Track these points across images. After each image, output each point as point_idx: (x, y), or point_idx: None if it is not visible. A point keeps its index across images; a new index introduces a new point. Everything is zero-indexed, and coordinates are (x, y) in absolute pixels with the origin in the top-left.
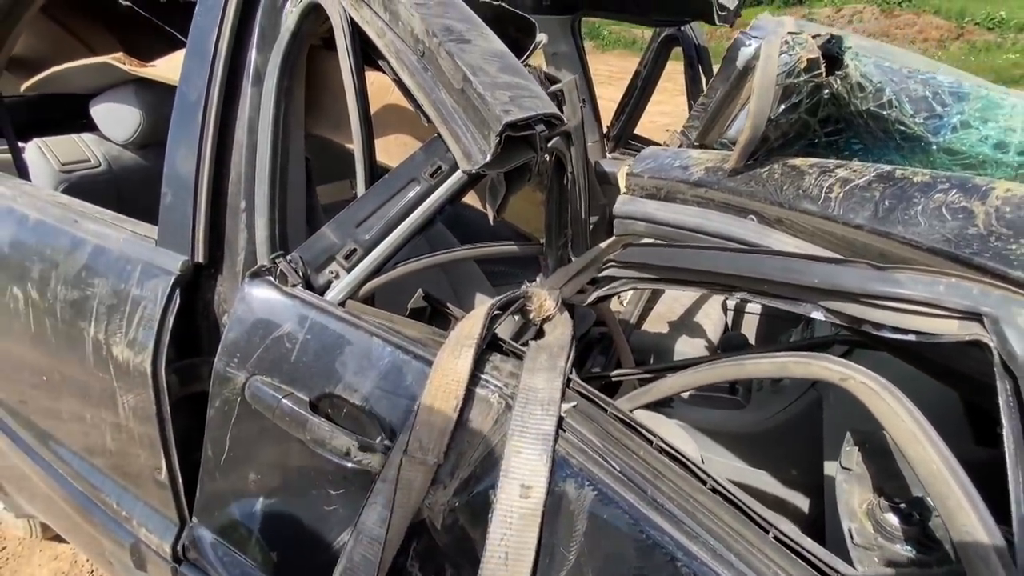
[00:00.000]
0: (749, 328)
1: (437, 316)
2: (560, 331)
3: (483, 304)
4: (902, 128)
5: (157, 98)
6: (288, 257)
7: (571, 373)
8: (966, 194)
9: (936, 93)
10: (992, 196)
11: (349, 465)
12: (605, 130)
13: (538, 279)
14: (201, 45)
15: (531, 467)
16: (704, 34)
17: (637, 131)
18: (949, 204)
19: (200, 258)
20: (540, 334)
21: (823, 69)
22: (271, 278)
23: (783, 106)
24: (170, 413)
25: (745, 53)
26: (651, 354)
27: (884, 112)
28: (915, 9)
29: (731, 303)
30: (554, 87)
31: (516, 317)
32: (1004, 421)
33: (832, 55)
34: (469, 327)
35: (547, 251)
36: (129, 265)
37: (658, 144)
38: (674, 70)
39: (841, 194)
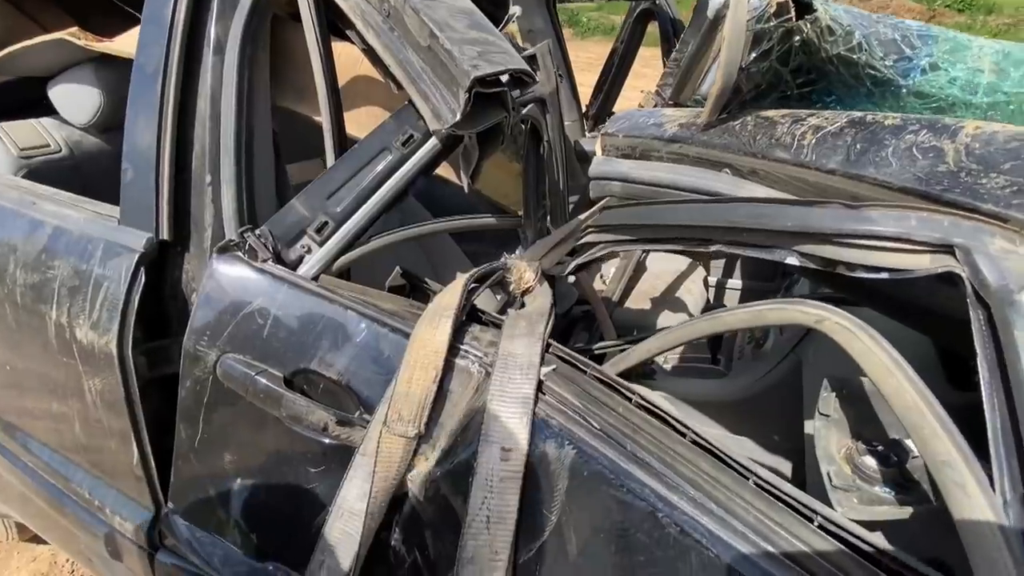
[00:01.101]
0: (731, 303)
1: (416, 293)
2: (540, 301)
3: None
4: (872, 72)
5: (118, 77)
6: (257, 232)
7: (550, 338)
8: (936, 134)
9: (905, 36)
10: (962, 134)
11: (327, 441)
12: (584, 109)
13: (517, 251)
14: (157, 12)
15: (511, 430)
16: (678, 8)
17: (615, 109)
18: (919, 144)
19: (165, 235)
20: (520, 306)
21: (793, 13)
22: (240, 253)
23: (754, 54)
24: (139, 397)
25: (715, 2)
26: (634, 330)
27: (854, 56)
28: None
29: (712, 280)
30: (527, 51)
31: (498, 296)
32: (978, 350)
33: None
34: (447, 298)
35: (525, 223)
36: (91, 245)
37: None
38: (651, 55)
39: (813, 140)
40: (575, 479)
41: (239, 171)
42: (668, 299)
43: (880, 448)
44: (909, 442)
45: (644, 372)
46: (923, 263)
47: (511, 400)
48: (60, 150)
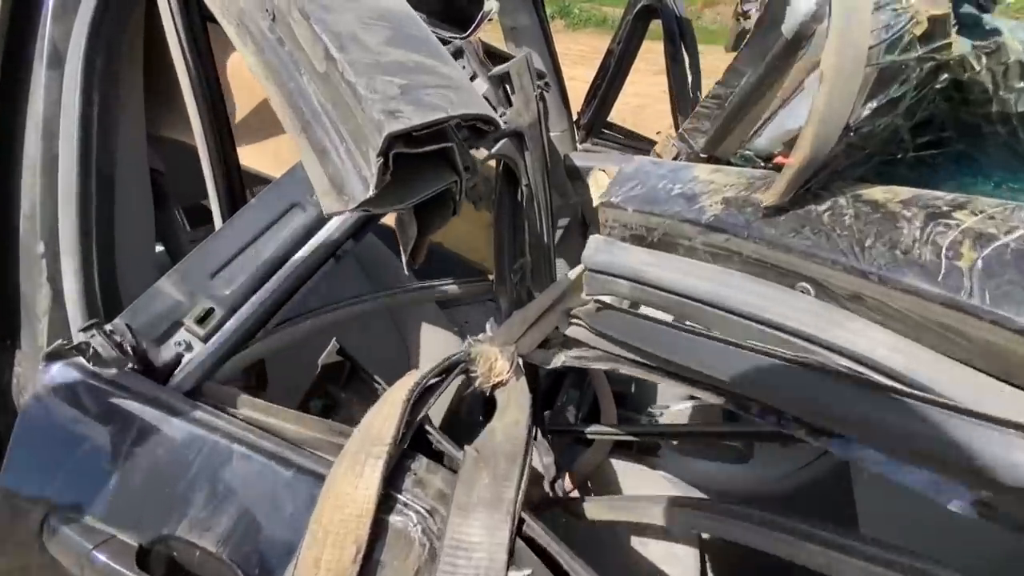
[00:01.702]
0: None
1: (356, 377)
2: (512, 415)
3: (433, 353)
4: None
5: None
6: (109, 327)
7: (521, 508)
8: None
9: None
10: None
11: None
12: (575, 117)
13: (488, 327)
14: None
15: None
16: (684, 4)
17: (610, 118)
18: None
19: None
20: (490, 403)
21: (953, 36)
22: (82, 360)
23: (874, 103)
24: None
25: (798, 11)
26: (632, 383)
27: None
28: None
29: None
30: (497, 69)
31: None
32: None
33: (970, 14)
34: (380, 421)
35: (498, 289)
36: None
37: (641, 139)
38: (646, 48)
39: (979, 263)
40: None
41: (86, 235)
42: None
43: None
44: None
45: (648, 448)
46: None
47: None
48: None
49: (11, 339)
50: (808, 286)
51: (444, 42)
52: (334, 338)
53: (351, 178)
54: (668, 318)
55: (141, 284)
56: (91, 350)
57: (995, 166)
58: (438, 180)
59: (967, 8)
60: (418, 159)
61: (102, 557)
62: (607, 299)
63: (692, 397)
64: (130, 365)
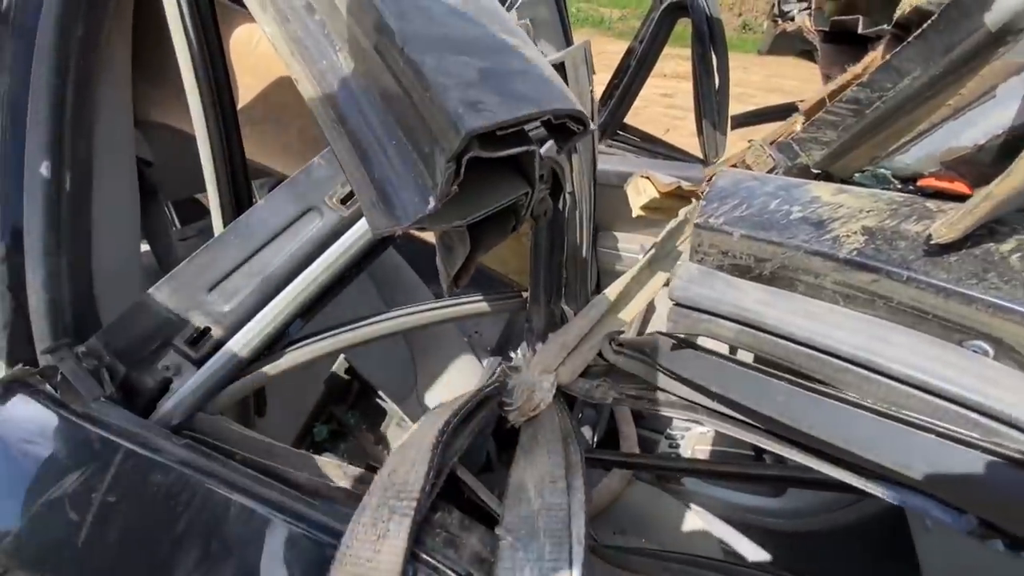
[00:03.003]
0: None
1: (367, 394)
2: (545, 469)
3: (445, 375)
4: None
5: None
6: (82, 348)
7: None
8: None
9: None
10: None
11: None
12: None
13: (520, 352)
14: None
15: None
16: (718, 2)
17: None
18: None
19: None
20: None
21: None
22: (46, 387)
23: None
24: None
25: (1003, 7)
26: None
27: None
28: None
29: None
30: (552, 57)
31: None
32: None
33: None
34: (404, 472)
35: (532, 308)
36: None
37: (658, 142)
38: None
39: None
40: None
41: (53, 237)
42: None
43: None
44: None
45: (670, 475)
46: None
47: None
48: None
49: None
50: (985, 345)
51: None
52: (341, 355)
53: (405, 186)
54: (761, 367)
55: (122, 293)
56: (58, 376)
57: None
58: (509, 191)
59: None
60: (490, 164)
61: None
62: (685, 335)
63: None
64: (107, 394)
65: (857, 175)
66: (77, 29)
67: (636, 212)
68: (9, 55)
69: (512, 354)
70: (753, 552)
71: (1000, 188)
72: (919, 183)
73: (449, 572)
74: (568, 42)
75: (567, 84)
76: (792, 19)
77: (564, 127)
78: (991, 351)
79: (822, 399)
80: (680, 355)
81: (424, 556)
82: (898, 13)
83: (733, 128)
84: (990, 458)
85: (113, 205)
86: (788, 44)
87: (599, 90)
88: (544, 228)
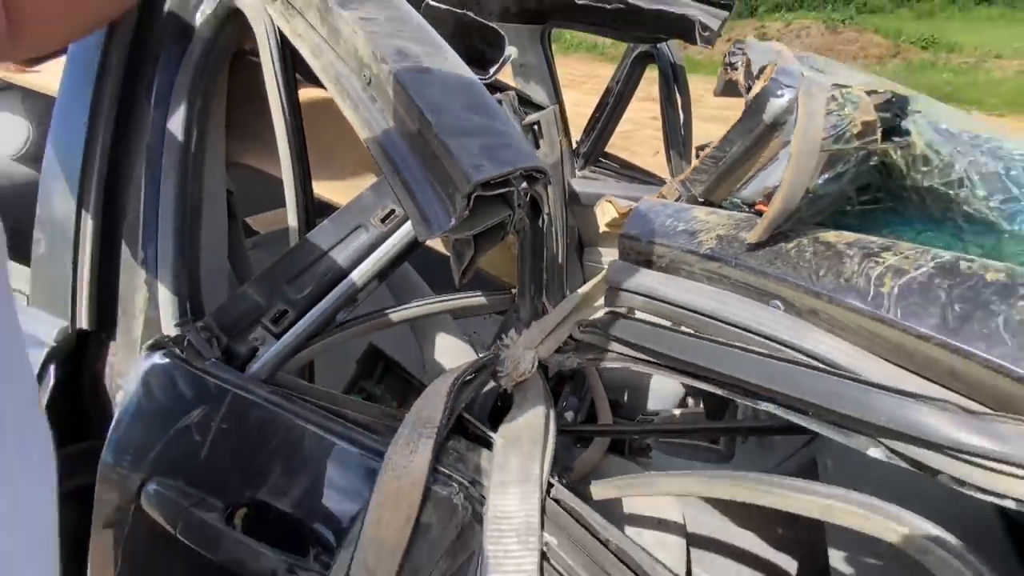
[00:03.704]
0: None
1: (391, 370)
2: (532, 406)
3: (447, 359)
4: (969, 211)
5: (49, 103)
6: (200, 323)
7: (551, 475)
8: None
9: (1009, 169)
10: None
11: None
12: (575, 146)
13: (510, 335)
14: (84, 53)
15: None
16: (680, 51)
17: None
18: None
19: (84, 324)
20: (508, 399)
21: (879, 135)
22: (177, 351)
23: (826, 176)
24: None
25: (776, 105)
26: (624, 391)
27: (950, 192)
28: (857, 27)
29: None
30: (530, 118)
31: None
32: None
33: (893, 116)
34: (428, 409)
35: (519, 302)
36: None
37: (634, 168)
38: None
39: (895, 289)
40: None
41: (180, 246)
42: None
43: None
44: None
45: (640, 450)
46: None
47: None
48: None
49: (106, 332)
50: (779, 303)
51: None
52: (369, 341)
53: (438, 211)
54: (669, 325)
55: (216, 286)
56: (186, 342)
57: (914, 220)
58: (498, 213)
59: (890, 114)
60: (484, 199)
61: (197, 513)
62: (621, 310)
63: (681, 404)
64: (216, 356)
65: (723, 202)
66: (197, 102)
67: (602, 229)
68: (150, 120)
69: (503, 337)
70: (706, 510)
71: (771, 209)
72: (756, 207)
73: (459, 479)
74: (554, 81)
75: (543, 137)
76: (736, 69)
77: (532, 176)
78: (782, 306)
79: (698, 341)
80: (619, 324)
81: (441, 468)
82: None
83: (697, 156)
84: (784, 364)
85: (212, 224)
86: (734, 89)
87: (588, 111)
88: (528, 240)
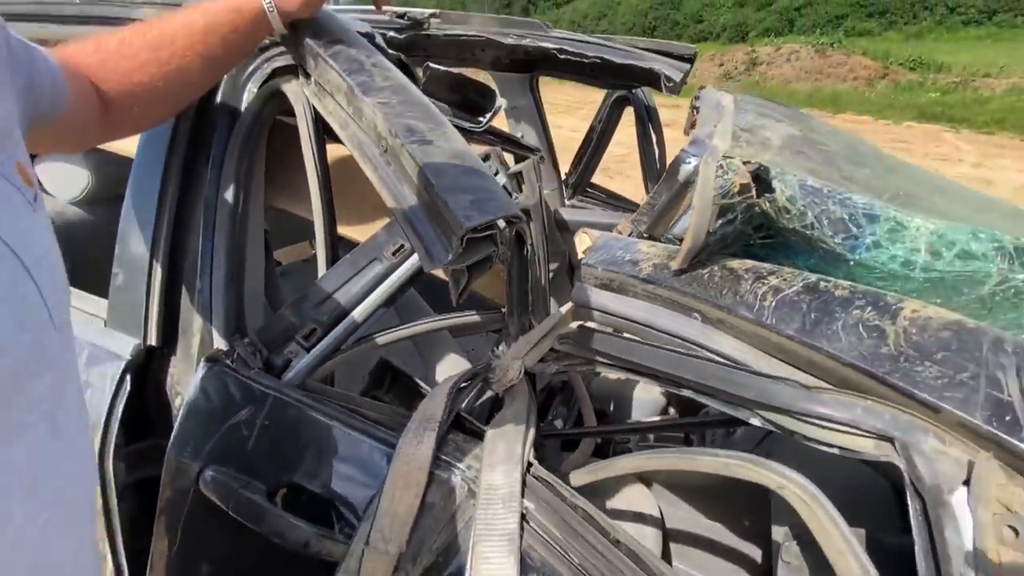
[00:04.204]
0: None
1: (398, 380)
2: (518, 405)
3: (446, 370)
4: (823, 245)
5: (106, 158)
6: (246, 340)
7: (531, 456)
8: (879, 312)
9: (852, 215)
10: (901, 316)
11: (309, 557)
12: (564, 176)
13: (500, 347)
14: (158, 135)
15: (500, 572)
16: (652, 95)
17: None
18: (865, 321)
19: (153, 341)
20: (500, 403)
21: (754, 192)
22: (228, 362)
23: (720, 221)
24: (116, 504)
25: (685, 169)
26: (610, 401)
27: (808, 232)
28: (845, 50)
29: None
30: (513, 168)
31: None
32: (915, 537)
33: (762, 178)
34: (431, 408)
35: (508, 320)
36: (76, 347)
37: (618, 197)
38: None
39: (773, 303)
40: None
41: (230, 278)
42: None
43: None
44: None
45: (622, 451)
46: (868, 448)
47: (497, 538)
48: None
49: (168, 348)
50: (697, 315)
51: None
52: (380, 355)
53: (439, 249)
54: (619, 334)
55: (255, 310)
56: (235, 354)
57: (798, 252)
58: (486, 250)
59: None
60: (474, 239)
61: (244, 493)
62: (589, 325)
63: (663, 412)
64: (259, 366)
65: (661, 237)
66: (244, 164)
67: (580, 256)
68: (207, 180)
69: (495, 349)
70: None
71: (684, 247)
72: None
73: (457, 465)
74: (542, 121)
75: (525, 182)
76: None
77: (510, 220)
78: (699, 317)
79: (647, 347)
80: (583, 335)
81: (442, 456)
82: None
83: None
84: (701, 361)
85: (253, 259)
86: None
87: (582, 134)
88: (515, 268)
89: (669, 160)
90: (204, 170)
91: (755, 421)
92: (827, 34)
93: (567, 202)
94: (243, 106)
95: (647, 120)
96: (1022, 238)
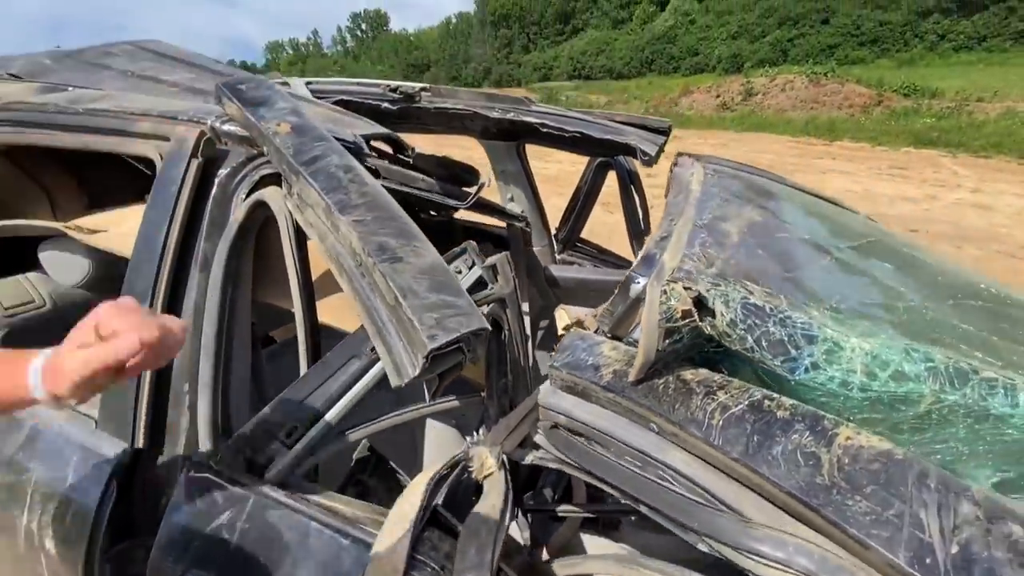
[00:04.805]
0: None
1: (382, 463)
2: (492, 500)
3: (433, 438)
4: (764, 366)
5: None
6: (230, 442)
7: (502, 564)
8: (816, 438)
9: (791, 336)
10: (835, 444)
11: None
12: (554, 231)
13: (479, 433)
14: (152, 239)
15: None
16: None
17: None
18: (802, 448)
19: (140, 444)
20: (479, 490)
21: (696, 317)
22: (212, 463)
23: (668, 340)
24: None
25: (635, 288)
26: None
27: (749, 354)
28: (839, 78)
29: None
30: (488, 261)
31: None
32: None
33: (703, 305)
34: (406, 506)
35: (488, 402)
36: (67, 450)
37: (607, 252)
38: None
39: (720, 422)
40: None
41: (216, 379)
42: None
43: None
44: None
45: (611, 524)
46: None
47: None
48: (44, 304)
49: (157, 448)
50: (655, 426)
51: (450, 226)
52: (364, 440)
53: (406, 362)
54: (583, 440)
55: (240, 407)
56: (219, 456)
57: (744, 363)
58: (453, 360)
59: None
60: (444, 352)
61: None
62: (558, 424)
63: None
64: (240, 469)
65: (625, 338)
66: (233, 265)
67: (560, 332)
68: (196, 282)
69: (475, 433)
70: None
71: (636, 363)
72: None
73: (432, 564)
74: (531, 183)
75: (500, 273)
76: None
77: (476, 334)
78: (656, 429)
79: (607, 459)
80: (552, 434)
81: (417, 556)
82: None
83: None
84: (654, 484)
85: (240, 353)
86: None
87: (571, 169)
88: (493, 353)
89: (654, 222)
90: (193, 273)
91: (703, 547)
92: (820, 63)
93: (558, 257)
94: (232, 212)
95: (629, 184)
96: (957, 359)
